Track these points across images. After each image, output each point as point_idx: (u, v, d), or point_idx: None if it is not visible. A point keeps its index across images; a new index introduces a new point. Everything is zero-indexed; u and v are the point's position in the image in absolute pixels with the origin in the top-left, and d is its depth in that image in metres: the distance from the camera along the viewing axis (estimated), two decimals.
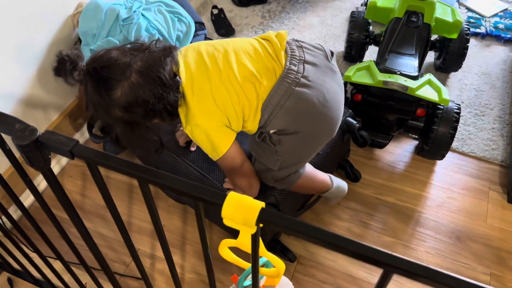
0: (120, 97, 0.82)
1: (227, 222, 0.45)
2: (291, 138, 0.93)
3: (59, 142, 0.49)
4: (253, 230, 0.45)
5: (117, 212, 0.58)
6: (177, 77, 0.86)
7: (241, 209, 0.44)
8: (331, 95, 0.92)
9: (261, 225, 0.45)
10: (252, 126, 0.94)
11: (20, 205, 0.71)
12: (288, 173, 0.98)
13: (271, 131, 0.93)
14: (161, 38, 1.26)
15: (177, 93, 0.85)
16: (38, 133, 0.50)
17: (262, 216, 0.43)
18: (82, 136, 1.43)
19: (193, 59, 0.90)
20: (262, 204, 0.44)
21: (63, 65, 0.82)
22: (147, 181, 0.48)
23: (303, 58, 0.93)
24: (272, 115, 0.91)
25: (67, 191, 1.33)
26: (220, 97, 0.88)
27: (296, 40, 0.98)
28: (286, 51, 0.94)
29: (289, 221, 0.43)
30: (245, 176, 0.98)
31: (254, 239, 0.47)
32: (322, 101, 0.91)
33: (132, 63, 0.81)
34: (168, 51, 0.87)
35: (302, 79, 0.90)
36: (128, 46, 0.87)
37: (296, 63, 0.92)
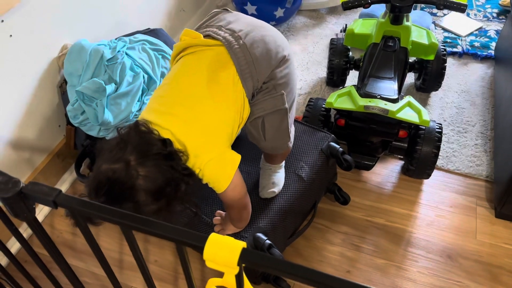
0: (145, 196, 0.78)
1: (209, 264, 0.46)
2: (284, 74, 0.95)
3: (42, 192, 0.50)
4: (236, 270, 0.46)
5: (104, 259, 0.59)
6: (166, 141, 0.82)
7: (222, 250, 0.45)
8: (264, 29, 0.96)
9: (243, 265, 0.46)
10: (247, 110, 0.95)
11: (7, 252, 0.71)
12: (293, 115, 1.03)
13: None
14: (145, 76, 1.29)
15: (178, 153, 0.83)
16: (21, 185, 0.51)
17: (244, 257, 0.45)
18: (71, 175, 1.44)
19: (157, 114, 0.87)
20: (243, 244, 0.46)
21: None
22: (130, 227, 0.49)
23: (221, 25, 0.94)
24: (254, 78, 0.91)
25: (57, 231, 1.33)
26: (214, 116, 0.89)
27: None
28: (208, 35, 0.93)
29: (271, 261, 0.44)
30: (247, 203, 1.01)
31: (238, 279, 0.48)
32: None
33: (127, 160, 0.78)
34: (140, 130, 0.82)
35: (240, 34, 0.91)
36: (106, 147, 0.82)
37: (224, 31, 0.92)
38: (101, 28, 1.43)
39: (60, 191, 0.50)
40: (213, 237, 0.45)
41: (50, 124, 1.35)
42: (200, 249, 0.45)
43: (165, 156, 0.80)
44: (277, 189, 1.13)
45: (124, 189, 0.76)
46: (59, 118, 1.37)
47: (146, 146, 0.79)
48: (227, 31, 0.92)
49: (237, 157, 0.90)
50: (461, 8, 1.33)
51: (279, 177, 1.14)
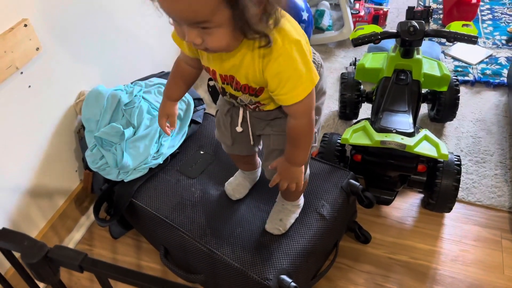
0: None
1: None
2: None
3: (68, 256, 0.50)
4: None
5: None
6: None
7: None
8: None
9: None
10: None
11: None
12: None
13: None
14: None
15: None
16: (47, 249, 0.50)
17: None
18: (88, 219, 1.44)
19: None
20: None
21: None
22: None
23: None
24: None
25: (75, 277, 1.31)
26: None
27: None
28: None
29: None
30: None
31: None
32: None
33: None
34: None
35: None
36: None
37: None
38: (117, 73, 1.47)
39: (86, 254, 0.50)
40: None
41: (67, 169, 1.36)
42: None
43: None
44: (282, 228, 1.10)
45: None
46: (77, 163, 1.38)
47: None
48: None
49: None
50: (472, 40, 1.34)
51: (289, 216, 1.12)
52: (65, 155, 1.34)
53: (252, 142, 1.03)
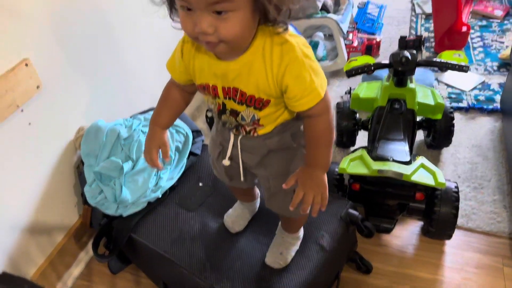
0: None
1: None
2: None
3: None
4: None
5: None
6: None
7: None
8: None
9: None
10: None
11: None
12: None
13: None
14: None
15: None
16: None
17: None
18: (87, 254, 1.42)
19: None
20: None
21: None
22: None
23: None
24: None
25: None
26: None
27: None
28: None
29: None
30: None
31: None
32: None
33: None
34: None
35: None
36: None
37: None
38: (116, 107, 1.49)
39: None
40: None
41: (66, 204, 1.36)
42: None
43: None
44: (283, 262, 1.09)
45: None
46: (75, 198, 1.38)
47: None
48: None
49: None
50: (463, 69, 1.37)
51: (289, 249, 1.11)
52: (64, 190, 1.34)
53: (242, 179, 0.98)
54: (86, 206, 1.33)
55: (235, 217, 1.21)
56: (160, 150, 0.93)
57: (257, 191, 1.23)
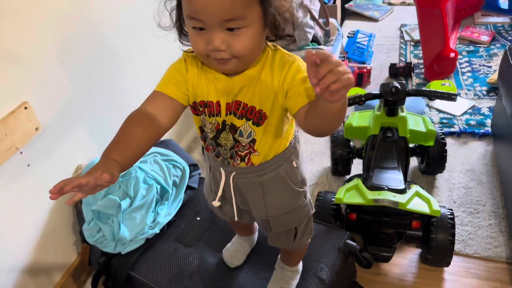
0: None
1: None
2: None
3: None
4: None
5: None
6: None
7: None
8: None
9: None
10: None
11: None
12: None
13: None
14: (158, 186, 1.33)
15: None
16: None
17: None
18: None
19: None
20: None
21: None
22: None
23: None
24: None
25: None
26: None
27: None
28: None
29: None
30: None
31: None
32: None
33: None
34: None
35: None
36: None
37: None
38: None
39: None
40: None
41: (65, 243, 1.36)
42: None
43: None
44: None
45: None
46: (74, 236, 1.39)
47: None
48: None
49: None
50: (452, 98, 1.40)
51: (289, 284, 1.11)
52: (62, 229, 1.34)
53: (236, 218, 0.98)
54: (85, 245, 1.33)
55: (234, 251, 1.22)
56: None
57: (256, 225, 1.24)
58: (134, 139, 0.75)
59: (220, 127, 0.84)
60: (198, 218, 1.36)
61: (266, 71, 0.78)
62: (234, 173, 0.89)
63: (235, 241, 1.24)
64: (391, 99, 1.42)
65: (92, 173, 0.64)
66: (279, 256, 1.14)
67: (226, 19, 0.66)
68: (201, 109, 0.83)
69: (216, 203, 0.94)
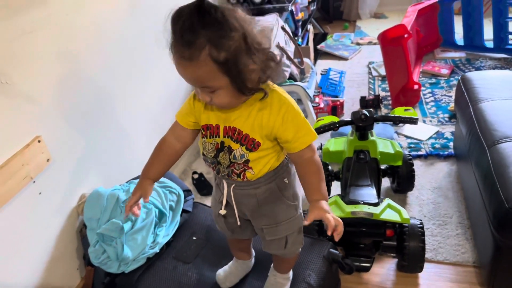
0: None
1: None
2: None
3: None
4: None
5: None
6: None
7: None
8: None
9: None
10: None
11: None
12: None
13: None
14: (156, 211, 1.46)
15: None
16: None
17: None
18: None
19: None
20: None
21: None
22: None
23: None
24: None
25: None
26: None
27: None
28: None
29: None
30: None
31: None
32: None
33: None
34: None
35: None
36: None
37: None
38: (113, 174, 1.64)
39: None
40: None
41: (69, 268, 1.45)
42: None
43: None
44: None
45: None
46: (78, 261, 1.48)
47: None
48: None
49: None
50: (413, 121, 1.61)
51: None
52: (67, 254, 1.44)
53: (238, 223, 1.10)
54: (89, 267, 1.42)
55: (229, 273, 1.30)
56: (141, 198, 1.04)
57: (253, 251, 1.34)
58: (161, 162, 1.07)
59: (219, 147, 0.99)
60: (194, 238, 1.47)
61: (260, 106, 0.92)
62: (233, 185, 1.04)
63: (231, 264, 1.32)
64: (361, 125, 1.61)
65: (134, 193, 1.05)
66: (272, 264, 1.27)
67: (200, 86, 0.86)
68: (203, 132, 1.01)
69: (222, 211, 1.08)
